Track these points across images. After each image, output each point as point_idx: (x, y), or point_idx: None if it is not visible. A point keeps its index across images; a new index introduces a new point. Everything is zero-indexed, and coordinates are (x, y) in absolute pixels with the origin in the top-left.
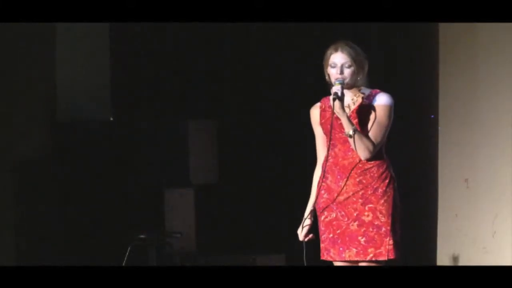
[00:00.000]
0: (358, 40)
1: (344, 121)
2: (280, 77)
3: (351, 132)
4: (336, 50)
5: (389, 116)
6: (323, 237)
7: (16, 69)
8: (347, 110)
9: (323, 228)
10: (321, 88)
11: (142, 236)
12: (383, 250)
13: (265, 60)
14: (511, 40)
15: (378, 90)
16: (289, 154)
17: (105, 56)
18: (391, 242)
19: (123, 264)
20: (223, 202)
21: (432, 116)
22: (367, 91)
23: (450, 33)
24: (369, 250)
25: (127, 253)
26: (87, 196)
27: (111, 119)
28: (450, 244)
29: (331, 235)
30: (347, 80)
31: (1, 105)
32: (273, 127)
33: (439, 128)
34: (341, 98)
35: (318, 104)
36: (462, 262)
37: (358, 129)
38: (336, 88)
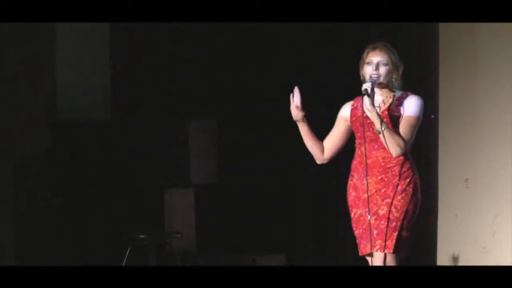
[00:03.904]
0: (358, 40)
1: (374, 117)
2: (281, 77)
3: (382, 128)
4: (374, 49)
5: (418, 117)
6: (356, 233)
7: (16, 69)
8: (378, 109)
9: (354, 225)
10: (321, 88)
11: (142, 236)
12: (389, 243)
13: (266, 60)
14: (511, 40)
15: (409, 92)
16: (289, 154)
17: (105, 56)
18: (398, 237)
19: (123, 264)
20: (223, 202)
21: (432, 116)
22: (398, 93)
23: (450, 33)
24: (377, 242)
25: (127, 253)
26: (87, 196)
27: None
28: (450, 244)
29: (360, 231)
30: (381, 79)
31: (1, 105)
32: (273, 127)
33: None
34: (370, 95)
35: (350, 102)
36: (462, 262)
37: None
38: (367, 85)
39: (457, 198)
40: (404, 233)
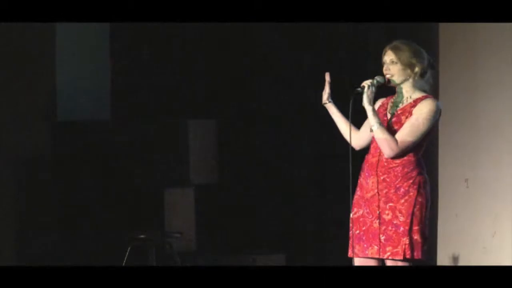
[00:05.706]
0: (358, 40)
1: (369, 115)
2: (281, 77)
3: (374, 127)
4: (387, 49)
5: (428, 121)
6: (350, 233)
7: (16, 69)
8: (395, 108)
9: (351, 225)
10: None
11: (142, 236)
12: (399, 250)
13: (266, 60)
14: (511, 40)
15: (429, 95)
16: (289, 154)
17: (105, 56)
18: (407, 241)
19: (123, 264)
20: (223, 202)
21: None
22: (419, 94)
23: (450, 33)
24: (387, 249)
25: (127, 253)
26: (87, 196)
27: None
28: (450, 244)
29: (357, 232)
30: (394, 77)
31: (1, 104)
32: (273, 127)
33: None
34: (365, 92)
35: (381, 99)
36: (462, 262)
37: (389, 127)
38: (365, 82)
39: (457, 198)
40: (416, 237)
